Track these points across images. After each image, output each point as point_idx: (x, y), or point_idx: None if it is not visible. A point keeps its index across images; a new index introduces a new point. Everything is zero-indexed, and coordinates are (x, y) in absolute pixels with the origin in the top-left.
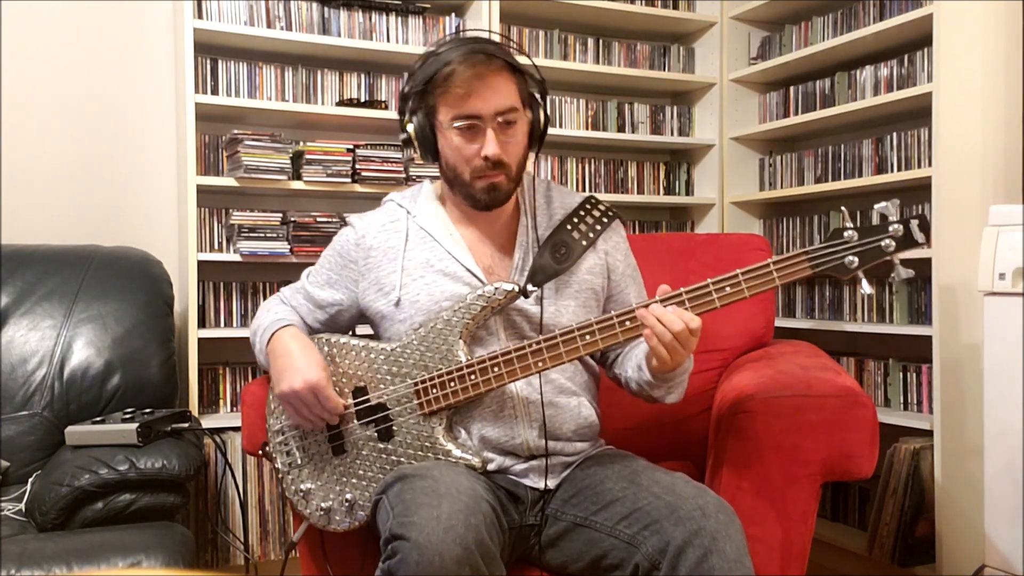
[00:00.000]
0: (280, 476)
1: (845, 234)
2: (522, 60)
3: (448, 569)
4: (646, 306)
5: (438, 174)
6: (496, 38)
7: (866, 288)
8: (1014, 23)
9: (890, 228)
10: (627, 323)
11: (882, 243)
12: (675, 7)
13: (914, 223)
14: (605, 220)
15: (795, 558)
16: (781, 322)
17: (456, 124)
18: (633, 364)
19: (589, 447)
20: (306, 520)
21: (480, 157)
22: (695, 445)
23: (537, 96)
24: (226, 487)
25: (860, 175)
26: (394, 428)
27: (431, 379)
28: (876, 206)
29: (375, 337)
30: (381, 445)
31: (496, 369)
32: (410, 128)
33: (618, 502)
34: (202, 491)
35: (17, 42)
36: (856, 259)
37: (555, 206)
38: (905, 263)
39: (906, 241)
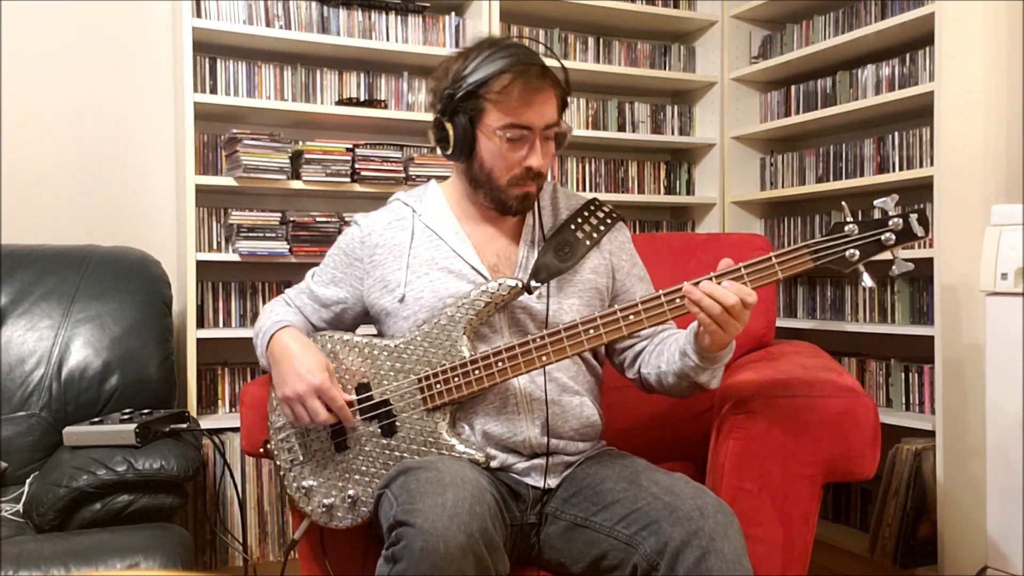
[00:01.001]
0: (282, 473)
1: (846, 228)
2: (552, 63)
3: (452, 556)
4: (696, 284)
5: (439, 174)
6: (526, 43)
7: (867, 281)
8: (1016, 22)
9: (890, 222)
10: (630, 318)
11: (882, 237)
12: (676, 6)
13: (913, 217)
14: (609, 221)
15: (796, 559)
16: (782, 322)
17: (508, 133)
18: (667, 355)
19: (590, 447)
20: (307, 517)
21: (523, 167)
22: (696, 445)
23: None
24: (225, 488)
25: (862, 175)
26: (397, 424)
27: (435, 374)
28: (876, 201)
29: (379, 334)
30: (384, 441)
31: (500, 364)
32: (449, 127)
33: (618, 503)
34: (200, 492)
35: (17, 42)
36: (857, 252)
37: (560, 207)
38: (907, 263)
39: (906, 235)
